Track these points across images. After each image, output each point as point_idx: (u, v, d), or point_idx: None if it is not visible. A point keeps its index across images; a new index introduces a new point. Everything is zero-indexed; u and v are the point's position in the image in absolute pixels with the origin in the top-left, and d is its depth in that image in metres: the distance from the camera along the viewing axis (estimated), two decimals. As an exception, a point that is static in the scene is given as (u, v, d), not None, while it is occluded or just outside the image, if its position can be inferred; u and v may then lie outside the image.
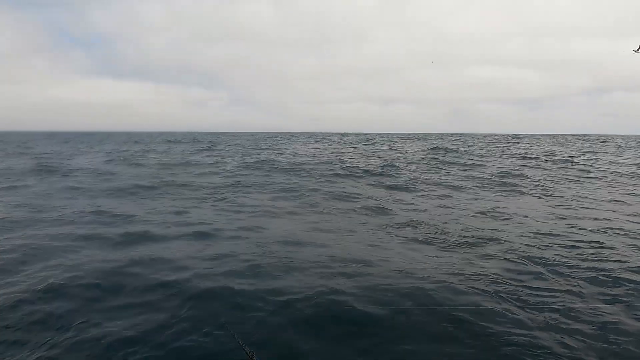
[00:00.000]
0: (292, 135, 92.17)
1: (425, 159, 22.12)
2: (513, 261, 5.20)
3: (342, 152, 28.37)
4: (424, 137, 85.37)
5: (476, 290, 4.27)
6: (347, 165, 18.00)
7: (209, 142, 45.83)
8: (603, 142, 53.76)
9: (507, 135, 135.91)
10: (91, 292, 4.26)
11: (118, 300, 4.11)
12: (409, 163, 19.69)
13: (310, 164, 19.05)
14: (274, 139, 63.96)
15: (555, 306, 3.97)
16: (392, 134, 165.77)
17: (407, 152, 28.06)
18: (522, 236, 6.43)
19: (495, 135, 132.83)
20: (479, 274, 4.72)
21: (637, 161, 21.57)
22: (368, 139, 66.26)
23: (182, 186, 11.96)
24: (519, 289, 4.36)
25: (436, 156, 23.50)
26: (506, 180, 13.48)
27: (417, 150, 29.03)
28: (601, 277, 4.65)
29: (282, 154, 26.91)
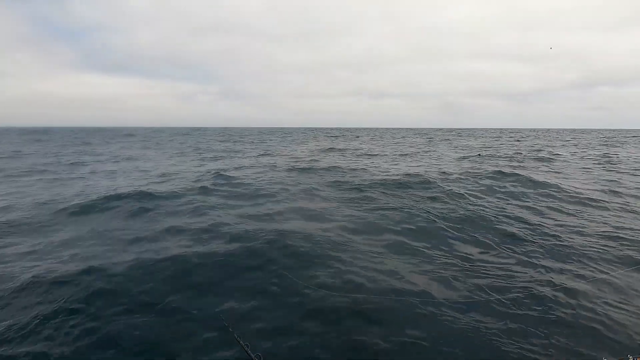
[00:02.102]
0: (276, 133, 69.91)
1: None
2: None
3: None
4: (422, 133, 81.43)
5: None
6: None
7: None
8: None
9: (499, 129, 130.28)
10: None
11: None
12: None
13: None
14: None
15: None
16: (385, 129, 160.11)
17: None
18: None
19: (487, 130, 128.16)
20: None
21: None
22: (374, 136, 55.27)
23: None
24: None
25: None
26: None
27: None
28: None
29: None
